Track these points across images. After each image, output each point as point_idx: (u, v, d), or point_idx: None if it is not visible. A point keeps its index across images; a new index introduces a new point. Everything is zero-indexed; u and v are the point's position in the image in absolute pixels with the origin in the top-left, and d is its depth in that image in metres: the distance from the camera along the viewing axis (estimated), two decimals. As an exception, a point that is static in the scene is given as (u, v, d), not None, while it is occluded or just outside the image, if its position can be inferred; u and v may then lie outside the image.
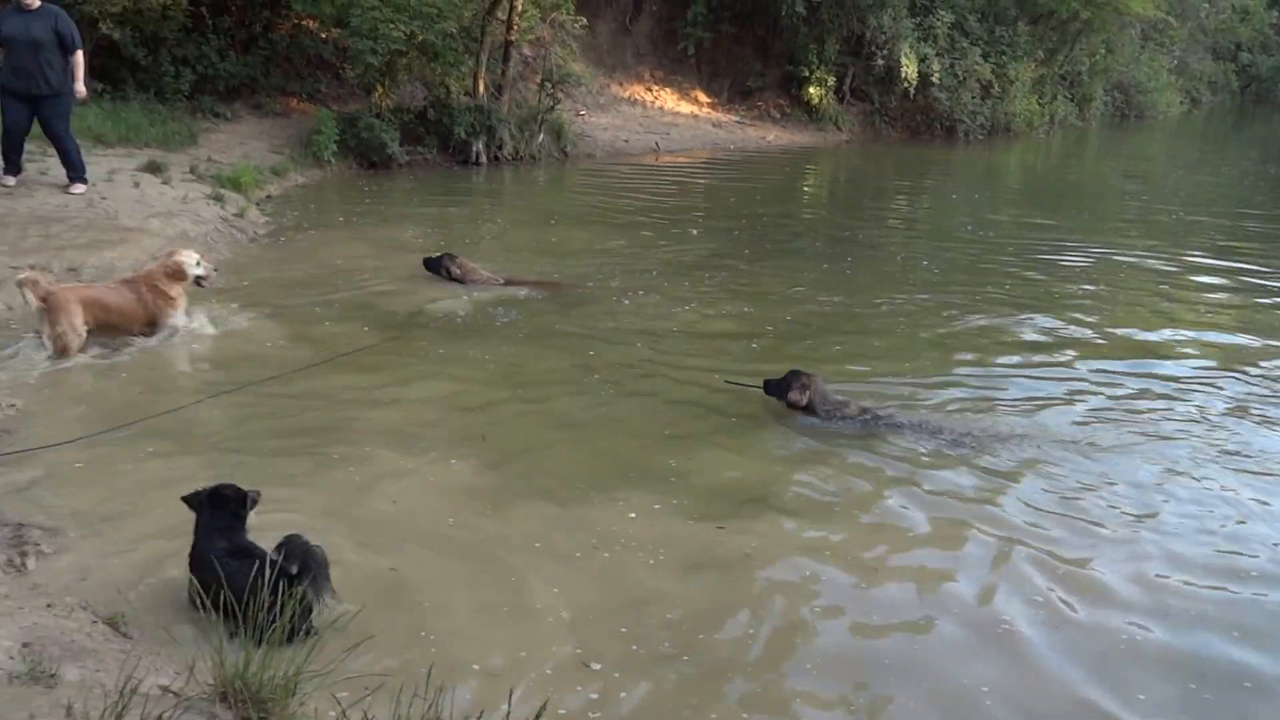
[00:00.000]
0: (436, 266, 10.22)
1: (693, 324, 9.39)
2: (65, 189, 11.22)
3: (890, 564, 5.27)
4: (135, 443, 6.10)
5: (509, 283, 10.23)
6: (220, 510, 4.55)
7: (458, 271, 10.14)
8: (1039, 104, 32.12)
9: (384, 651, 4.09)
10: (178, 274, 7.82)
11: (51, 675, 3.46)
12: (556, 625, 4.53)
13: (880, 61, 27.26)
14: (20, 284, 7.22)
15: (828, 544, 5.44)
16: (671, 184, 18.85)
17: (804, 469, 6.38)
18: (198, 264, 7.94)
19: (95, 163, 12.47)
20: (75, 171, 11.31)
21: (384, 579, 4.77)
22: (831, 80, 27.45)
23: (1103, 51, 35.67)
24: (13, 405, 6.49)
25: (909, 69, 26.85)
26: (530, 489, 5.89)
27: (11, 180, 11.04)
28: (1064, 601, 4.96)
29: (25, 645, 3.70)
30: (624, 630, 4.54)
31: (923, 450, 6.65)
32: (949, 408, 7.55)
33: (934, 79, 27.43)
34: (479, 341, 8.49)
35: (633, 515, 5.60)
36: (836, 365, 8.37)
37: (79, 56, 10.92)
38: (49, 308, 7.20)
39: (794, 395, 7.16)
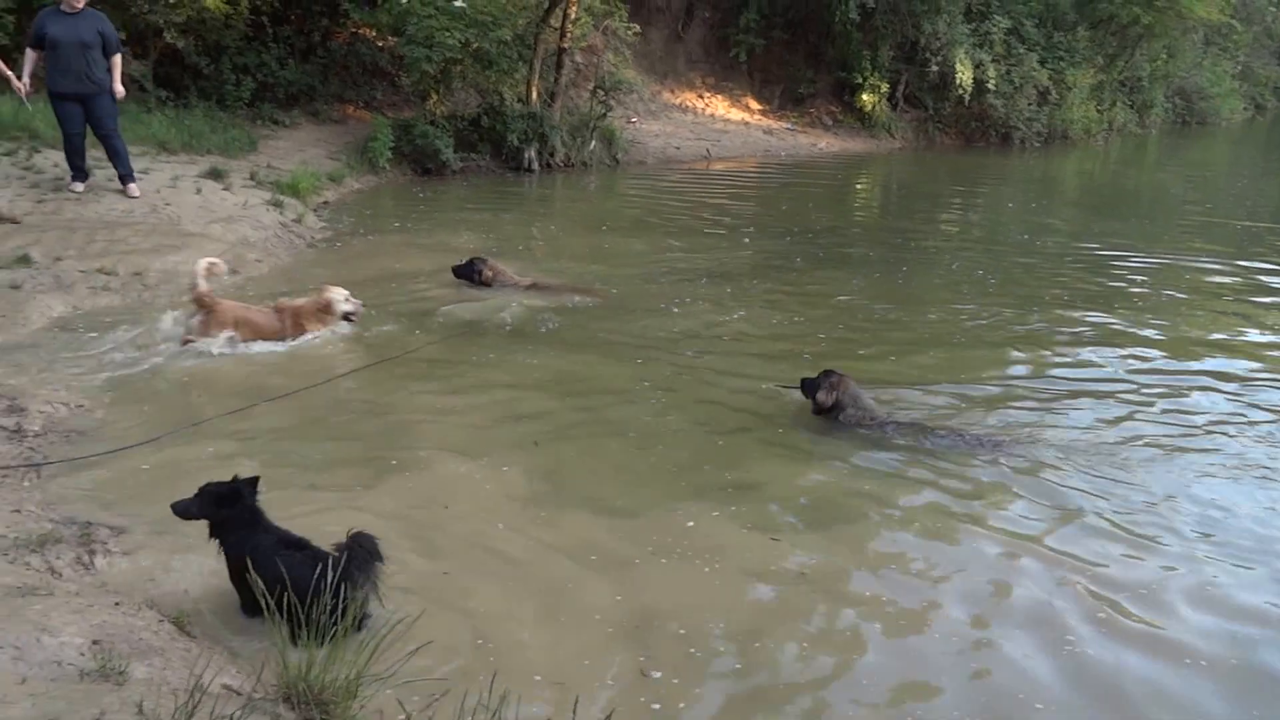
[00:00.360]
0: (468, 272, 10.22)
1: (744, 332, 9.36)
2: (121, 191, 11.46)
3: (947, 580, 5.22)
4: (197, 445, 6.21)
5: (534, 286, 10.27)
6: (246, 503, 4.50)
7: (488, 274, 10.16)
8: (1098, 110, 31.81)
9: (444, 656, 4.13)
10: (327, 310, 8.30)
11: (120, 673, 3.53)
12: (616, 633, 4.55)
13: (934, 68, 27.11)
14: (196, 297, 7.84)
15: (884, 557, 5.41)
16: (723, 191, 18.84)
17: (860, 480, 6.34)
18: (346, 300, 8.41)
19: (159, 169, 12.73)
20: (126, 169, 11.56)
21: (440, 584, 4.82)
22: (884, 87, 27.32)
23: (1164, 57, 35.26)
24: (81, 406, 6.64)
25: (964, 75, 26.67)
26: (583, 497, 5.91)
27: (80, 186, 11.29)
28: (1126, 620, 4.89)
29: (95, 643, 3.77)
30: (682, 640, 4.54)
31: (977, 463, 6.58)
32: (1002, 418, 7.46)
33: (989, 85, 27.22)
34: (530, 348, 8.53)
35: (690, 524, 5.59)
36: (890, 374, 8.32)
37: (119, 59, 11.17)
38: (208, 314, 7.84)
39: (821, 395, 7.11)
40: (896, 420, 7.12)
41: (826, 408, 7.06)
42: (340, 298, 8.40)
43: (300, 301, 8.41)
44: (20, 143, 12.23)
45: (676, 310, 9.89)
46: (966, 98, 27.37)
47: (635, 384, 7.82)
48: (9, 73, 10.07)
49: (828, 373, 7.22)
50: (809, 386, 7.21)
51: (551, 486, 6.02)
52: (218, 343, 7.83)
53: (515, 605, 4.72)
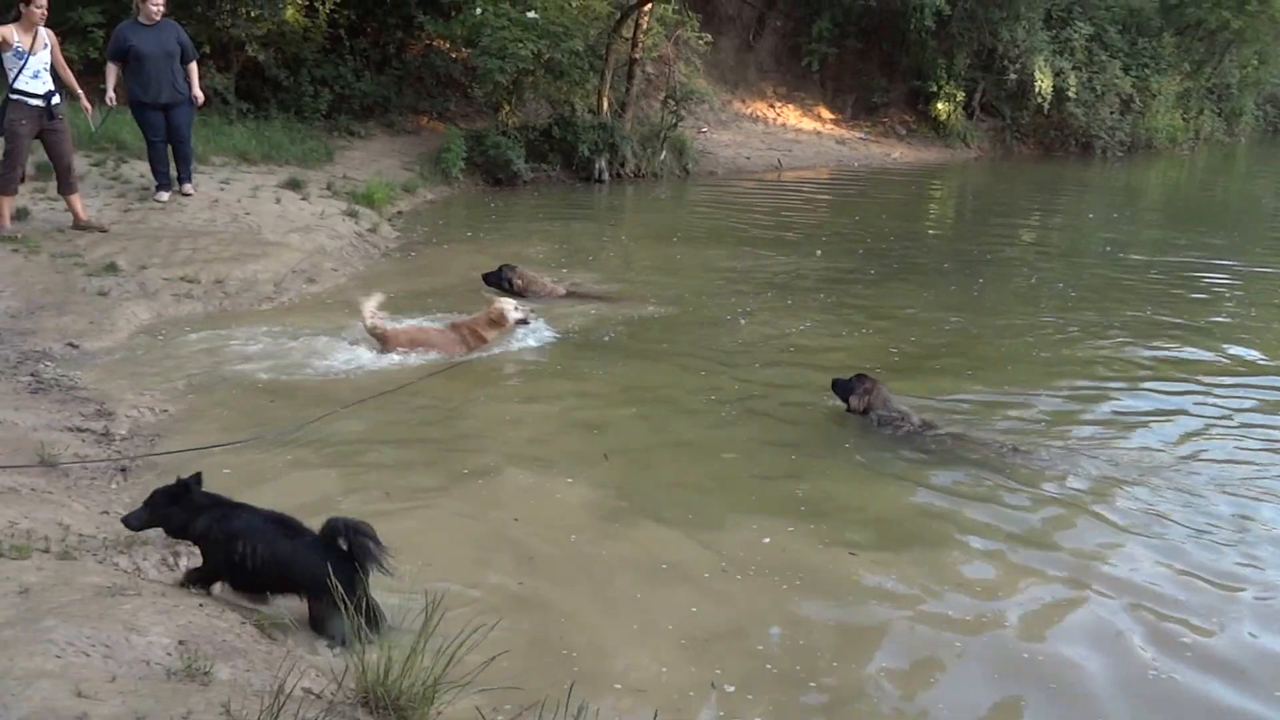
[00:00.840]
0: (497, 279, 10.21)
1: (813, 345, 9.27)
2: (180, 187, 11.81)
3: (1022, 600, 5.12)
4: (274, 451, 6.32)
5: (571, 294, 10.30)
6: (196, 492, 4.54)
7: (519, 283, 10.16)
8: (1183, 119, 31.19)
9: (520, 665, 4.14)
10: (501, 320, 8.56)
11: (206, 673, 3.58)
12: (690, 646, 4.53)
13: (1013, 76, 26.75)
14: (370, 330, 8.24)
15: (960, 575, 5.32)
16: (794, 201, 18.77)
17: (932, 496, 6.25)
18: (515, 309, 8.71)
19: (240, 179, 13.01)
20: (188, 174, 11.94)
21: (513, 593, 4.85)
22: (960, 95, 27.03)
23: (1255, 63, 34.44)
24: (165, 410, 6.79)
25: (1043, 83, 26.27)
26: (654, 509, 5.89)
27: (165, 196, 11.62)
28: (1196, 642, 4.78)
29: (181, 643, 3.83)
30: (758, 654, 4.51)
31: (1046, 481, 6.46)
32: (1078, 432, 7.35)
33: (1070, 93, 26.82)
34: (599, 358, 8.54)
35: (766, 540, 5.54)
36: (964, 389, 8.20)
37: (194, 66, 11.53)
38: (383, 342, 8.25)
39: (854, 400, 7.19)
40: (930, 426, 7.09)
41: (859, 412, 7.15)
42: (510, 307, 8.68)
43: (474, 316, 8.70)
44: (108, 154, 12.55)
45: (745, 321, 9.86)
46: (1046, 106, 26.96)
47: (704, 396, 7.79)
48: (79, 90, 10.31)
49: (860, 377, 7.29)
50: (841, 388, 7.30)
51: (621, 498, 6.02)
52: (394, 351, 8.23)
53: (589, 616, 4.73)
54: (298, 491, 5.73)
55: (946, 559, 5.51)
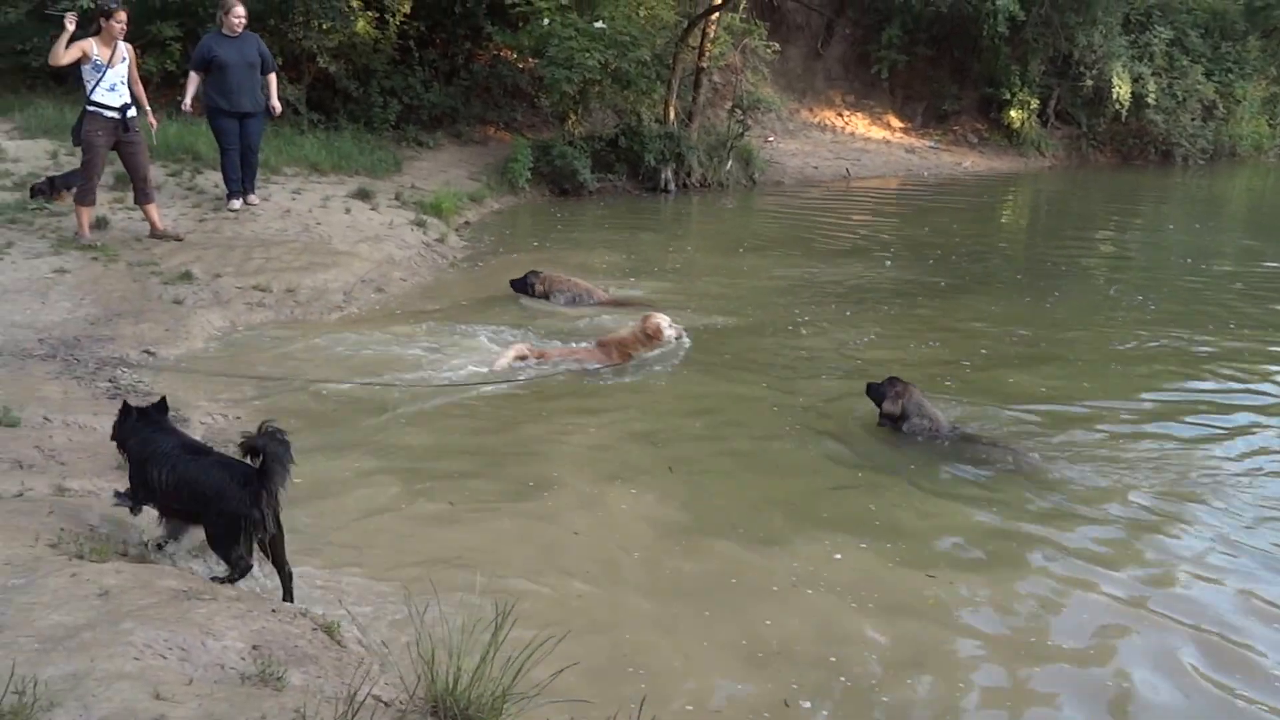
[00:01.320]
0: (523, 286, 10.34)
1: (883, 357, 9.06)
2: (244, 198, 12.02)
3: (1093, 623, 4.98)
4: (342, 459, 6.37)
5: (609, 302, 10.32)
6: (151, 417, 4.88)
7: (541, 288, 10.24)
8: (1269, 125, 30.38)
9: (589, 678, 4.11)
10: (656, 336, 8.66)
11: (279, 679, 3.63)
12: (766, 661, 4.49)
13: (1089, 82, 26.25)
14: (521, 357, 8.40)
15: (1032, 600, 5.18)
16: (862, 211, 18.63)
17: (1006, 515, 6.10)
18: (669, 325, 8.79)
19: (311, 189, 13.21)
20: (253, 183, 12.20)
21: (578, 606, 4.83)
22: (1034, 102, 26.60)
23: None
24: (238, 417, 6.88)
25: (1121, 90, 25.78)
26: (720, 524, 5.82)
27: (237, 204, 11.85)
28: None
29: (255, 648, 3.88)
30: (832, 668, 4.46)
31: (1126, 501, 6.31)
32: (1158, 446, 7.19)
33: (1149, 100, 26.30)
34: (660, 368, 8.49)
35: (838, 556, 5.46)
36: (1036, 403, 8.02)
37: (273, 77, 11.84)
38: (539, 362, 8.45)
39: (888, 405, 7.15)
40: (964, 432, 7.13)
41: (895, 416, 7.10)
42: (666, 323, 8.74)
43: (623, 333, 8.77)
44: (184, 164, 12.80)
45: (812, 333, 9.76)
46: (1124, 113, 26.44)
47: (767, 408, 7.72)
48: (146, 105, 10.51)
49: (893, 380, 7.26)
50: (875, 391, 7.27)
51: (685, 512, 5.97)
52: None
53: (656, 630, 4.70)
54: (362, 500, 5.79)
55: (1018, 580, 5.39)
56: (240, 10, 11.47)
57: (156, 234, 10.46)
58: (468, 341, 8.80)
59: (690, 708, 4.16)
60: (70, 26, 9.54)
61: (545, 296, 10.27)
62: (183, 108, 11.25)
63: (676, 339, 8.83)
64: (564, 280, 10.45)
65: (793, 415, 7.57)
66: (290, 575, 4.63)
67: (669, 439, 7.04)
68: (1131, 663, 4.65)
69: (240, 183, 11.95)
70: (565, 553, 5.35)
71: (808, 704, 4.20)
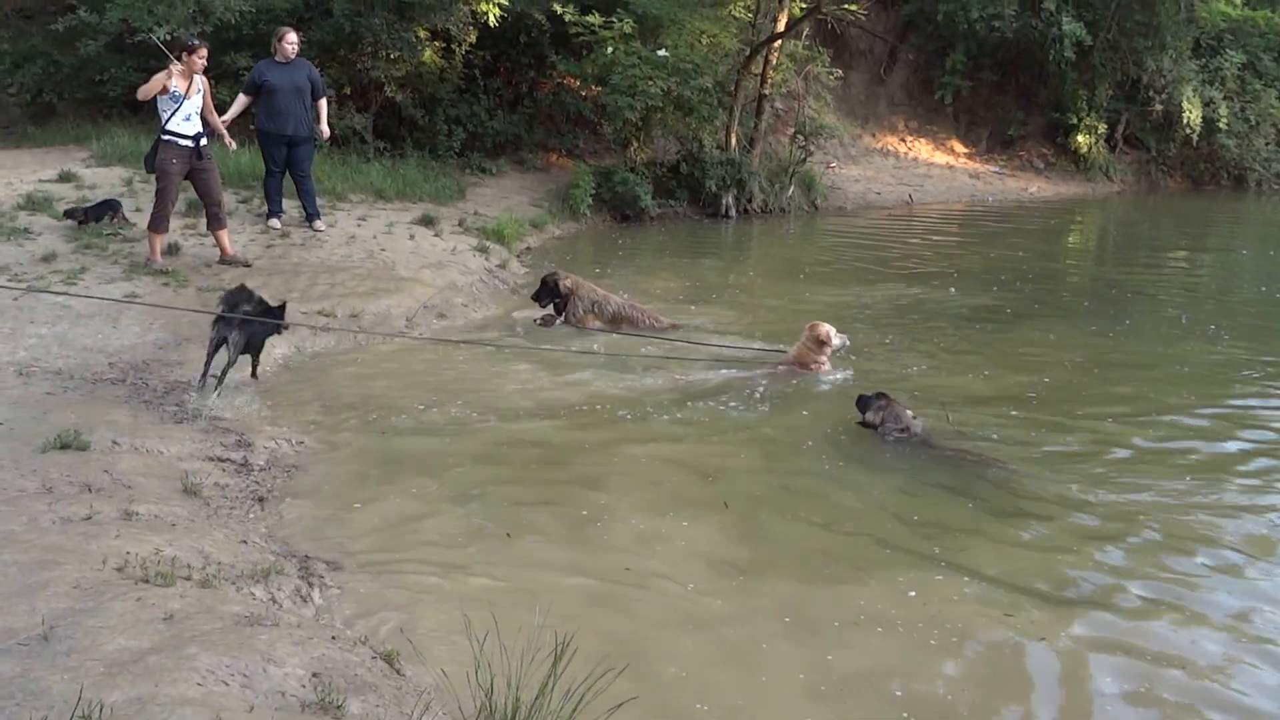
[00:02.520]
0: (547, 291, 10.41)
1: (946, 387, 8.91)
2: (309, 226, 12.28)
3: (1182, 667, 4.82)
4: (401, 483, 6.40)
5: (618, 319, 10.33)
6: None
7: (567, 284, 10.33)
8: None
9: (645, 714, 4.09)
10: (827, 340, 9.04)
11: (338, 707, 3.66)
12: (824, 696, 4.42)
13: (1158, 107, 25.94)
14: None
15: (1123, 644, 4.99)
16: (925, 237, 18.48)
17: (1095, 553, 5.91)
18: (835, 334, 9.12)
19: (376, 215, 13.38)
20: (314, 208, 12.48)
21: (635, 641, 4.75)
22: (1102, 127, 26.28)
23: None
24: (301, 442, 6.97)
25: (1192, 114, 25.39)
26: (782, 561, 5.70)
27: (277, 223, 12.17)
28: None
29: (315, 675, 3.92)
30: (898, 701, 4.39)
31: (1218, 536, 6.16)
32: (1238, 482, 6.99)
33: (1220, 124, 25.88)
34: (717, 398, 8.36)
35: (912, 594, 5.32)
36: (1111, 438, 7.80)
37: (324, 103, 12.15)
38: None
39: (870, 415, 7.68)
40: (933, 440, 7.49)
41: (874, 426, 7.62)
42: (832, 331, 9.08)
43: (795, 349, 9.13)
44: (254, 191, 13.01)
45: (874, 361, 9.63)
46: (1194, 138, 26.05)
47: (830, 442, 7.53)
48: (222, 130, 10.72)
49: (880, 394, 7.78)
50: (862, 403, 7.80)
51: (742, 545, 5.84)
52: None
53: (710, 666, 4.62)
54: (421, 528, 5.80)
55: (1110, 625, 5.18)
56: (292, 37, 11.87)
57: (226, 260, 10.65)
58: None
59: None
60: (175, 71, 9.92)
61: (571, 295, 10.36)
62: (220, 121, 11.28)
63: (841, 345, 9.16)
64: (584, 283, 10.55)
65: (855, 450, 7.39)
66: None
67: (724, 470, 6.91)
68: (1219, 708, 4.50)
69: (279, 203, 12.32)
70: (621, 589, 5.28)
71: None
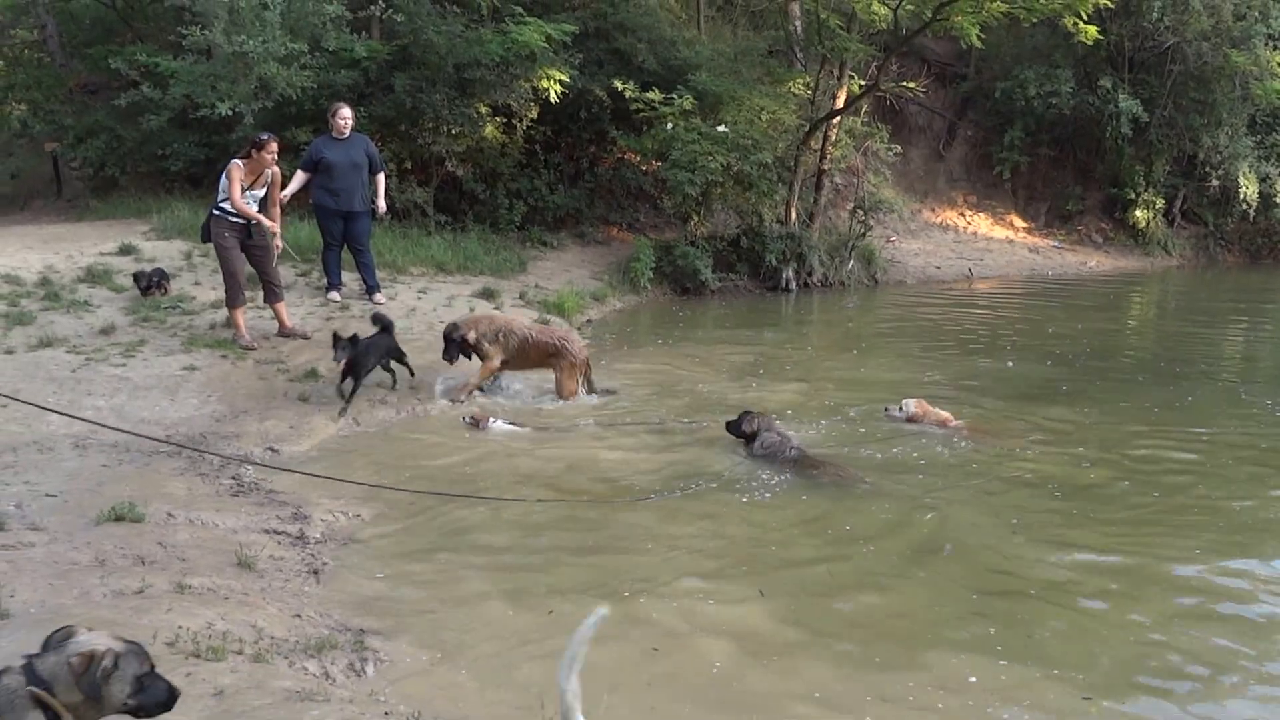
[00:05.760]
0: (453, 349, 10.01)
1: (999, 465, 8.60)
2: (369, 299, 12.39)
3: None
4: (456, 558, 6.37)
5: (526, 344, 10.05)
6: None
7: (468, 334, 9.92)
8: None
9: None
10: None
11: None
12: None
13: (1215, 182, 25.78)
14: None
15: None
16: (985, 312, 18.27)
17: (1173, 639, 5.66)
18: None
19: (436, 289, 13.49)
20: (374, 281, 12.60)
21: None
22: (1160, 202, 26.12)
23: None
24: (358, 515, 6.95)
25: (1248, 189, 25.33)
26: (825, 647, 5.45)
27: (336, 296, 12.33)
28: None
29: None
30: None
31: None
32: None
33: (1277, 199, 25.68)
34: (767, 477, 8.09)
35: (973, 679, 5.09)
36: (1168, 513, 7.55)
37: (382, 177, 12.32)
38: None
39: (745, 426, 8.59)
40: (801, 450, 8.35)
41: (749, 435, 8.54)
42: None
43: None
44: (314, 264, 13.18)
45: (931, 441, 9.24)
46: (1251, 213, 25.90)
47: (879, 524, 7.22)
48: (276, 229, 10.70)
49: (747, 412, 8.74)
50: (734, 428, 8.68)
51: (784, 627, 5.61)
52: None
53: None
54: (474, 604, 5.72)
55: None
56: (345, 112, 12.03)
57: (285, 332, 10.77)
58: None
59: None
60: (244, 166, 10.11)
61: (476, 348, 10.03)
62: (280, 196, 11.36)
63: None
64: (483, 320, 10.30)
65: (907, 534, 7.08)
66: None
67: (772, 552, 6.69)
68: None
69: (339, 276, 12.46)
70: (650, 668, 5.09)
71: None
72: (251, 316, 11.15)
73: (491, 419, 9.25)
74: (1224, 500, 7.94)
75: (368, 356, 9.34)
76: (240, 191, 10.07)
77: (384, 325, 9.87)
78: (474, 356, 10.08)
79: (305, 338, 10.79)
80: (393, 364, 9.91)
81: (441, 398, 9.94)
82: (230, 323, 10.66)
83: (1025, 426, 9.83)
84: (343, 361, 9.10)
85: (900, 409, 9.63)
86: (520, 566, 6.33)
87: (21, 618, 4.09)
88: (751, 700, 4.84)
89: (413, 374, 10.06)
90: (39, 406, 6.18)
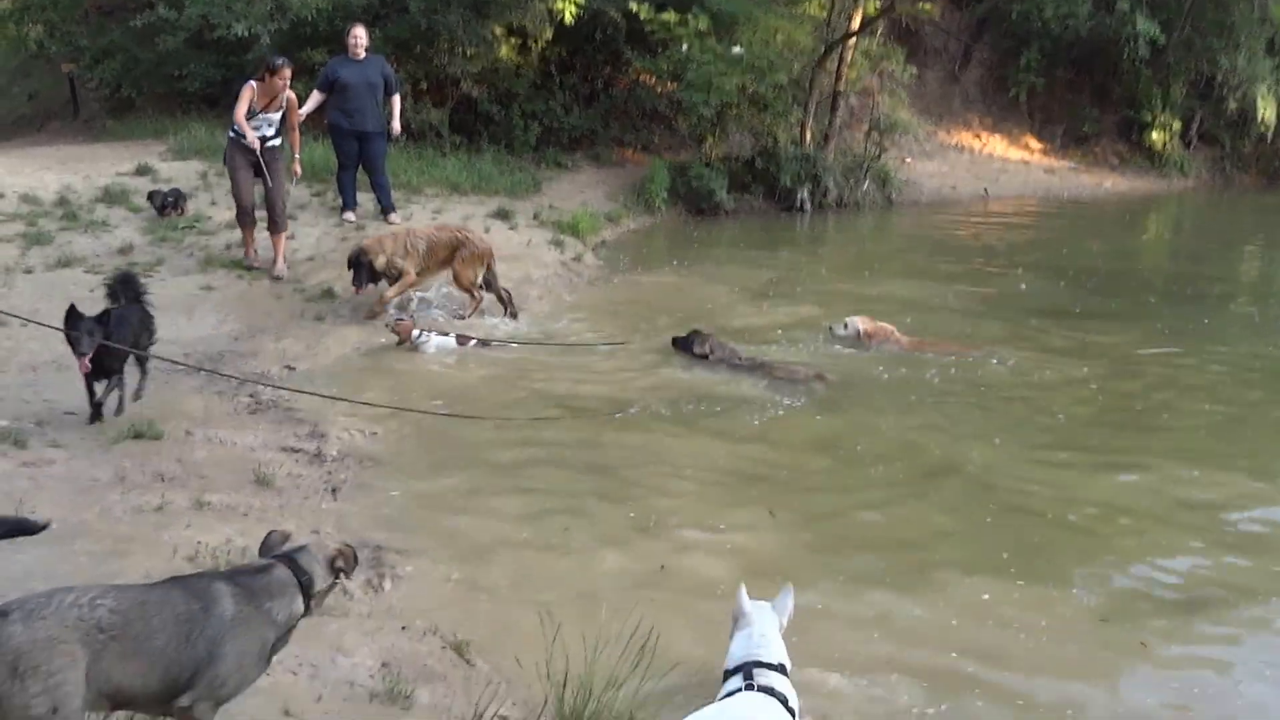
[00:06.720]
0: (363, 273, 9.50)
1: (1012, 385, 8.65)
2: (384, 219, 12.31)
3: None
4: (471, 475, 6.44)
5: (434, 246, 9.76)
6: None
7: (376, 259, 9.40)
8: None
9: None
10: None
11: (407, 697, 3.67)
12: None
13: (1233, 104, 25.49)
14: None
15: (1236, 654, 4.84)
16: (999, 233, 18.25)
17: (1189, 561, 5.72)
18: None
19: (451, 209, 13.50)
20: (389, 202, 12.54)
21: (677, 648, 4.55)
22: (1176, 124, 25.91)
23: None
24: (374, 433, 6.99)
25: (1266, 111, 25.04)
26: (835, 568, 5.49)
27: (351, 216, 12.27)
28: None
29: (384, 665, 3.95)
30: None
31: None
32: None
33: (1294, 122, 25.31)
34: (794, 396, 8.13)
35: (986, 597, 5.15)
36: (1177, 436, 7.59)
37: (397, 99, 12.19)
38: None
39: (697, 348, 8.84)
40: (752, 359, 8.79)
41: (704, 355, 8.80)
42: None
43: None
44: (329, 184, 13.20)
45: (946, 359, 9.33)
46: (1269, 135, 25.66)
47: (890, 446, 7.25)
48: (296, 153, 10.79)
49: (697, 331, 9.00)
50: (682, 345, 8.97)
51: (803, 553, 5.64)
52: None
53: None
54: (487, 525, 5.78)
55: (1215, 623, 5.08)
56: (358, 32, 11.89)
57: (276, 273, 10.38)
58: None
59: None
60: (257, 89, 9.98)
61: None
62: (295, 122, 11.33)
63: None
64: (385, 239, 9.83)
65: (921, 455, 7.13)
66: None
67: (784, 474, 6.74)
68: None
69: (354, 197, 12.40)
70: (661, 590, 5.14)
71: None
72: (266, 237, 10.86)
73: (423, 332, 8.94)
74: (1237, 424, 7.99)
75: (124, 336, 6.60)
76: (247, 111, 9.98)
77: (133, 291, 7.18)
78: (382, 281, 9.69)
79: (277, 279, 10.34)
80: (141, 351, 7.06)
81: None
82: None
83: (1032, 346, 9.86)
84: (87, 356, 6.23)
85: (845, 326, 9.50)
86: (534, 484, 6.39)
87: (43, 533, 4.18)
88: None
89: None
90: (54, 328, 6.24)
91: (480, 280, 10.02)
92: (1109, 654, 4.74)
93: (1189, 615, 5.15)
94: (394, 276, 9.58)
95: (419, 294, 10.26)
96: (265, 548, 3.27)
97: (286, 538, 3.28)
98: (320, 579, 3.20)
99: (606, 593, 4.95)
